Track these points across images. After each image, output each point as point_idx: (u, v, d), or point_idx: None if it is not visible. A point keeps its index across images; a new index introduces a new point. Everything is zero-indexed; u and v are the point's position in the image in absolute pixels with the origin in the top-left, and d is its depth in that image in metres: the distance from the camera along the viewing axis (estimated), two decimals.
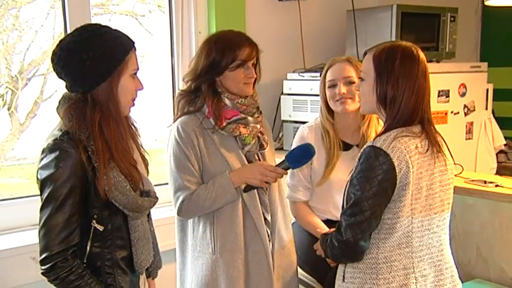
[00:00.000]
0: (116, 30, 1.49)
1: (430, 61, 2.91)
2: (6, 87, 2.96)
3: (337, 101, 2.12)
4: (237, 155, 1.91)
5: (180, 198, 1.86)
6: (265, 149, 1.99)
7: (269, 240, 1.95)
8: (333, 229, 1.77)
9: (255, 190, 1.92)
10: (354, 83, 2.10)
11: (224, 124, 1.88)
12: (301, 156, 1.90)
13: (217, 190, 1.85)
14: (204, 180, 1.91)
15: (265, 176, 1.86)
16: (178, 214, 1.91)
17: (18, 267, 2.16)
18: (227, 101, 1.90)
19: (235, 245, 1.89)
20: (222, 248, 1.88)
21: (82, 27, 1.47)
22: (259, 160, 1.96)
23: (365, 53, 1.67)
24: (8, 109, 2.99)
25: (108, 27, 1.48)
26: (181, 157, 1.87)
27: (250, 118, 1.93)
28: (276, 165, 1.91)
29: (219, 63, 1.87)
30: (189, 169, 1.87)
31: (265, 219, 1.94)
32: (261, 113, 2.01)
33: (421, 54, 1.61)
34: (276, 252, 1.97)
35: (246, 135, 1.92)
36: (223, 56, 1.86)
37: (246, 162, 1.92)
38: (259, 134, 1.98)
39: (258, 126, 1.97)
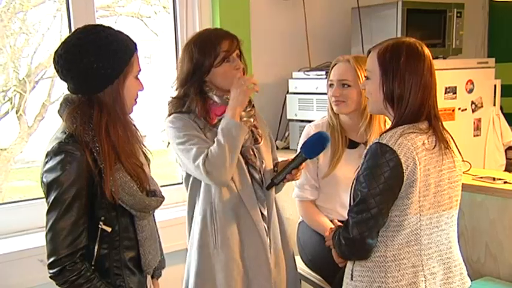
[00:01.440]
0: (119, 31, 1.49)
1: (436, 57, 2.89)
2: (15, 90, 2.99)
3: (333, 101, 2.14)
4: None
5: (201, 164, 1.79)
6: (259, 143, 1.98)
7: (267, 235, 1.94)
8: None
9: (251, 185, 1.91)
10: (349, 86, 2.10)
11: (215, 121, 1.89)
12: (315, 144, 1.87)
13: (224, 136, 1.80)
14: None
15: (242, 84, 1.82)
16: (208, 178, 1.81)
17: (26, 269, 2.17)
18: (216, 98, 1.90)
19: (233, 240, 1.89)
20: (222, 243, 1.89)
21: (86, 29, 1.46)
22: (255, 156, 1.95)
23: (369, 52, 1.66)
24: (17, 112, 3.01)
25: (111, 28, 1.48)
26: (186, 132, 1.85)
27: (242, 112, 1.92)
28: (292, 158, 1.90)
29: (203, 63, 1.87)
30: (198, 137, 1.85)
31: (262, 214, 1.94)
32: (253, 106, 1.99)
33: (426, 50, 1.60)
34: (273, 246, 1.96)
35: None
36: (205, 55, 1.86)
37: (241, 158, 1.91)
38: (253, 128, 1.97)
39: (252, 120, 1.96)
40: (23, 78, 3.02)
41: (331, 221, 2.09)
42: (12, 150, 3.10)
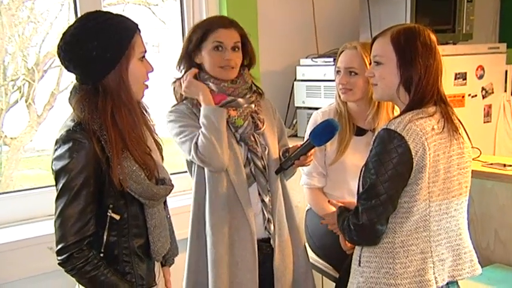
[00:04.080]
0: (118, 15, 1.47)
1: (446, 43, 2.86)
2: (23, 79, 3.00)
3: (340, 89, 2.13)
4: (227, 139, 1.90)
5: (194, 155, 1.83)
6: (260, 128, 1.96)
7: (268, 221, 1.94)
8: (349, 201, 1.78)
9: (251, 170, 1.92)
10: (356, 74, 2.08)
11: None
12: (323, 132, 1.86)
13: (205, 124, 1.83)
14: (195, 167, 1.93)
15: (184, 80, 1.90)
16: (206, 166, 1.87)
17: (35, 256, 2.19)
18: (212, 86, 1.90)
19: (218, 226, 1.90)
20: (211, 230, 1.89)
21: (83, 17, 1.45)
22: (256, 141, 1.94)
23: (374, 39, 1.65)
24: (26, 101, 3.03)
25: (109, 13, 1.47)
26: (181, 123, 1.90)
27: (240, 100, 1.91)
28: (300, 145, 1.89)
29: (191, 40, 1.91)
30: (192, 126, 1.88)
31: (263, 201, 1.94)
32: (254, 92, 1.99)
33: (432, 35, 1.61)
34: (278, 233, 1.96)
35: (236, 117, 1.90)
36: (195, 33, 1.91)
37: (236, 146, 1.91)
38: (254, 114, 1.96)
39: (253, 106, 1.95)
40: (32, 67, 3.03)
41: (329, 201, 2.07)
42: (22, 139, 3.12)
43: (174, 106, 1.98)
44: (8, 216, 2.35)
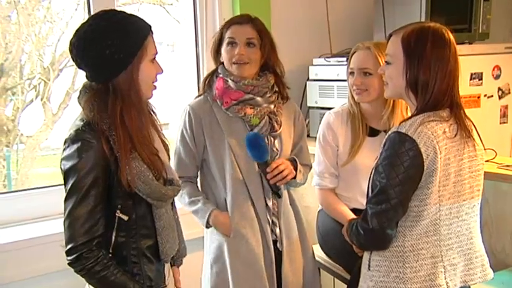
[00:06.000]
0: (131, 15, 1.47)
1: (462, 43, 2.81)
2: (39, 78, 3.03)
3: (354, 90, 2.10)
4: (240, 137, 1.91)
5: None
6: (276, 131, 1.96)
7: (273, 224, 1.97)
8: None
9: (259, 175, 1.95)
10: (371, 74, 2.05)
11: (229, 105, 1.91)
12: (254, 148, 1.89)
13: (195, 211, 1.97)
14: (205, 156, 1.97)
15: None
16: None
17: (48, 254, 2.21)
18: (231, 83, 1.92)
19: (237, 229, 1.94)
20: (238, 229, 1.93)
21: (97, 15, 1.45)
22: (269, 143, 1.95)
23: (390, 35, 1.62)
24: (41, 100, 3.07)
25: (123, 12, 1.47)
26: (181, 139, 1.98)
27: (259, 99, 1.92)
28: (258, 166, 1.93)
29: (215, 40, 1.99)
30: (181, 154, 1.98)
31: (266, 205, 1.95)
32: (275, 92, 1.99)
33: (451, 36, 1.56)
34: (286, 237, 1.98)
35: (252, 116, 1.90)
36: (217, 33, 1.99)
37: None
38: (271, 115, 1.95)
39: (272, 106, 1.94)
40: (47, 67, 3.06)
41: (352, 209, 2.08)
42: (37, 138, 3.16)
43: (196, 99, 2.02)
44: (23, 214, 2.38)
